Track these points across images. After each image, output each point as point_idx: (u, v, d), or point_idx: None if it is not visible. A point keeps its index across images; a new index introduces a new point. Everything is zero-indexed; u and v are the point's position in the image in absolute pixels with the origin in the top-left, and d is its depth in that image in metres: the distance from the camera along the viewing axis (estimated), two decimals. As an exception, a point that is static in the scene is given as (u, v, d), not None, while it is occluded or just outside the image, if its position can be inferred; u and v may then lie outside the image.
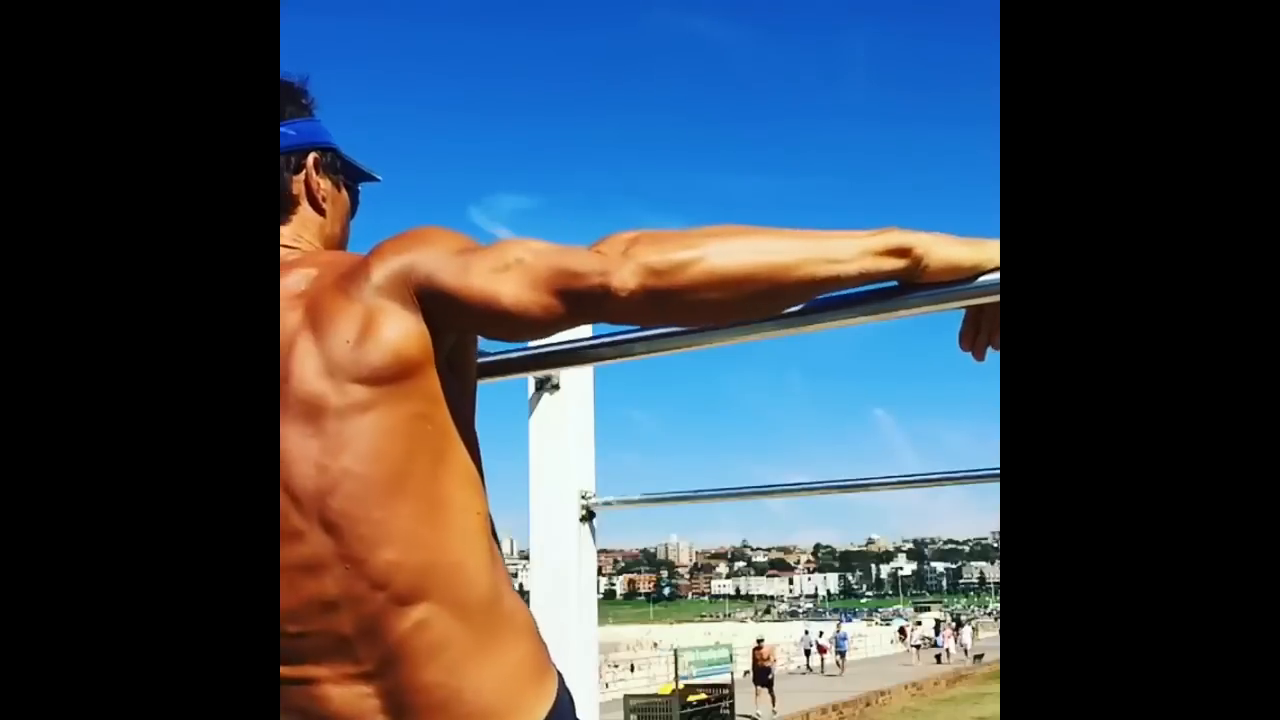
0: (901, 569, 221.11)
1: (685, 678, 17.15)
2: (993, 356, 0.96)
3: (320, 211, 1.15)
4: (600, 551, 1.74)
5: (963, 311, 0.99)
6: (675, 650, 18.76)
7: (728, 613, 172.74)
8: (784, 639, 39.64)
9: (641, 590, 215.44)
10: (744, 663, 21.35)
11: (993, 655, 28.25)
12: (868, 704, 20.44)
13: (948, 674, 27.07)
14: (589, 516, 1.68)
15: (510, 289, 0.94)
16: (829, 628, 35.20)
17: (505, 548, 1.08)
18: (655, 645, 50.15)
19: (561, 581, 1.66)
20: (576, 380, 1.70)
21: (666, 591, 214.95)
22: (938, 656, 32.38)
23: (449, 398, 0.99)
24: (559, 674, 1.05)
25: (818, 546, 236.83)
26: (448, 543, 0.98)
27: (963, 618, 53.76)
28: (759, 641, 21.02)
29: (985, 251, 0.93)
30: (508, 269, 0.94)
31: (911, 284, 0.95)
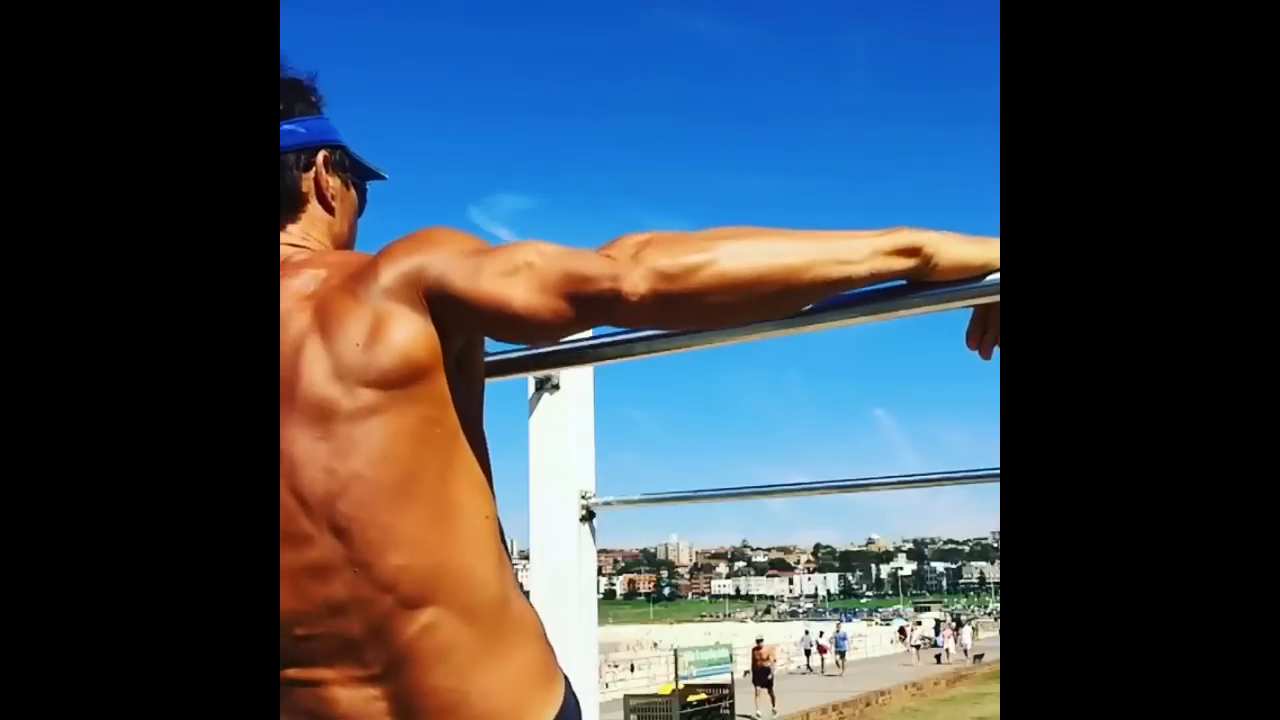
0: (901, 569, 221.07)
1: (685, 678, 17.15)
2: (995, 356, 0.96)
3: (329, 210, 1.15)
4: (600, 551, 1.74)
5: (966, 311, 0.99)
6: (675, 650, 18.76)
7: (728, 613, 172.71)
8: (784, 639, 39.66)
9: (641, 590, 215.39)
10: (744, 663, 21.34)
11: (993, 655, 28.25)
12: (868, 704, 20.43)
13: (948, 674, 27.07)
14: (589, 516, 1.68)
15: (520, 292, 0.93)
16: (829, 628, 35.20)
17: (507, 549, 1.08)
18: (655, 645, 50.15)
19: (561, 581, 1.66)
20: (576, 380, 1.70)
21: (666, 591, 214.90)
22: (938, 656, 32.37)
23: (457, 399, 0.99)
24: (566, 678, 1.05)
25: (818, 546, 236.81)
26: (456, 546, 0.97)
27: (963, 618, 53.76)
28: (758, 642, 21.01)
29: (994, 250, 0.92)
30: (517, 272, 0.94)
31: (920, 283, 0.94)
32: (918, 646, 34.00)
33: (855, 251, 0.92)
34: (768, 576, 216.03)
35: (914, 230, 0.93)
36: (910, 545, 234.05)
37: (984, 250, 0.93)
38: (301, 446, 0.95)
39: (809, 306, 0.98)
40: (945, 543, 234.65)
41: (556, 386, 1.69)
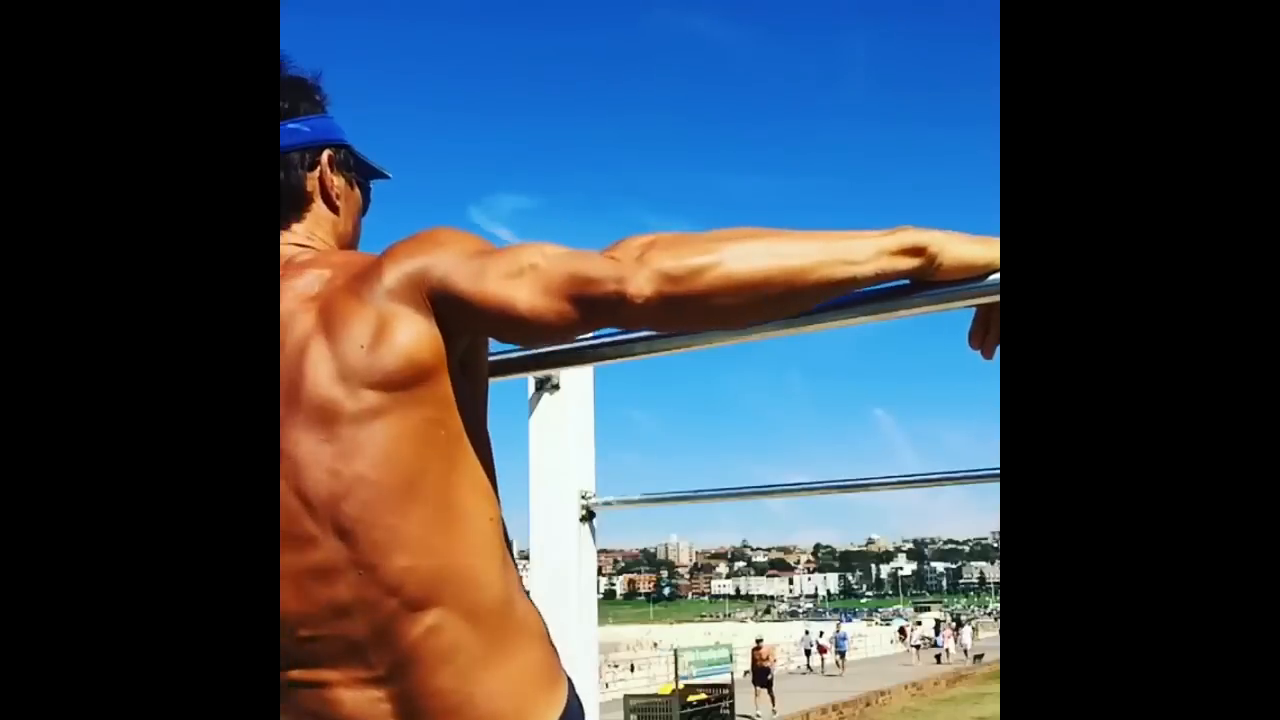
0: (901, 569, 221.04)
1: (685, 678, 17.16)
2: (996, 356, 0.96)
3: (334, 209, 1.14)
4: (600, 551, 1.74)
5: (967, 311, 0.98)
6: (675, 650, 18.76)
7: (728, 613, 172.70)
8: (784, 639, 39.67)
9: (641, 590, 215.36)
10: (744, 663, 21.34)
11: (993, 655, 28.25)
12: (868, 704, 20.43)
13: (948, 674, 27.07)
14: (589, 516, 1.68)
15: (525, 295, 0.93)
16: (829, 628, 35.20)
17: (506, 549, 1.08)
18: (655, 645, 50.15)
19: (561, 581, 1.66)
20: (576, 380, 1.70)
21: (666, 591, 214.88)
22: (938, 656, 32.38)
23: (462, 400, 0.99)
24: (569, 680, 1.05)
25: (818, 546, 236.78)
26: (460, 548, 0.97)
27: (963, 618, 53.73)
28: (758, 642, 21.01)
29: (997, 249, 0.92)
30: (522, 274, 0.93)
31: (923, 282, 0.94)
32: (918, 646, 34.00)
33: (860, 252, 0.91)
34: (768, 576, 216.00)
35: (918, 230, 0.93)
36: (910, 545, 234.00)
37: (988, 250, 0.93)
38: (306, 448, 0.95)
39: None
40: (945, 543, 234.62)
41: (556, 386, 1.69)
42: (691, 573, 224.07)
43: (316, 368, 0.96)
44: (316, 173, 1.13)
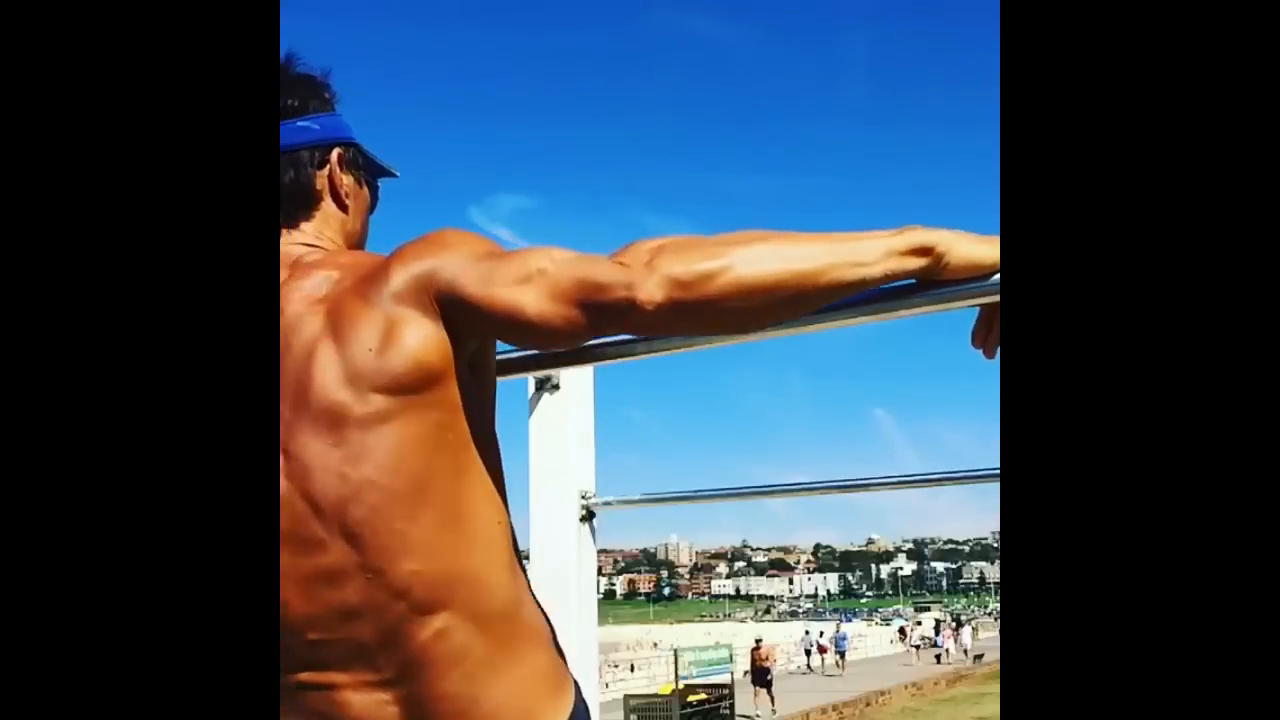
0: (901, 569, 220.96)
1: (685, 678, 17.16)
2: (997, 356, 0.96)
3: (343, 208, 1.14)
4: (600, 551, 1.74)
5: (967, 310, 0.98)
6: (675, 650, 18.76)
7: (728, 613, 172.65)
8: (784, 639, 39.66)
9: (641, 590, 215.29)
10: (744, 663, 21.34)
11: (993, 655, 28.24)
12: (868, 704, 20.43)
13: (948, 674, 27.06)
14: (589, 516, 1.68)
15: (533, 300, 0.92)
16: (829, 628, 35.20)
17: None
18: (655, 645, 50.14)
19: (561, 581, 1.65)
20: (576, 380, 1.70)
21: (666, 591, 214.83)
22: (938, 656, 32.36)
23: (469, 404, 0.99)
24: (576, 683, 1.05)
25: (818, 546, 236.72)
26: (468, 553, 0.97)
27: (963, 618, 53.72)
28: (757, 642, 21.01)
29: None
30: (530, 280, 0.93)
31: (929, 282, 0.94)
32: (918, 646, 33.99)
33: (869, 253, 0.91)
34: (768, 576, 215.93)
35: (926, 229, 0.93)
36: (910, 545, 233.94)
37: (994, 249, 0.93)
38: (314, 452, 0.95)
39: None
40: (945, 543, 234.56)
41: (556, 386, 1.69)
42: (691, 573, 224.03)
43: (325, 371, 0.95)
44: (326, 171, 1.12)
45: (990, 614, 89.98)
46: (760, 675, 19.25)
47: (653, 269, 0.90)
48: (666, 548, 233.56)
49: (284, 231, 1.10)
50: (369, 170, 1.19)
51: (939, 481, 1.52)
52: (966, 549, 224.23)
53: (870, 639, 43.21)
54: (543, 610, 1.06)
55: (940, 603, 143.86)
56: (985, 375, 0.96)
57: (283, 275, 1.03)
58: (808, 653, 31.09)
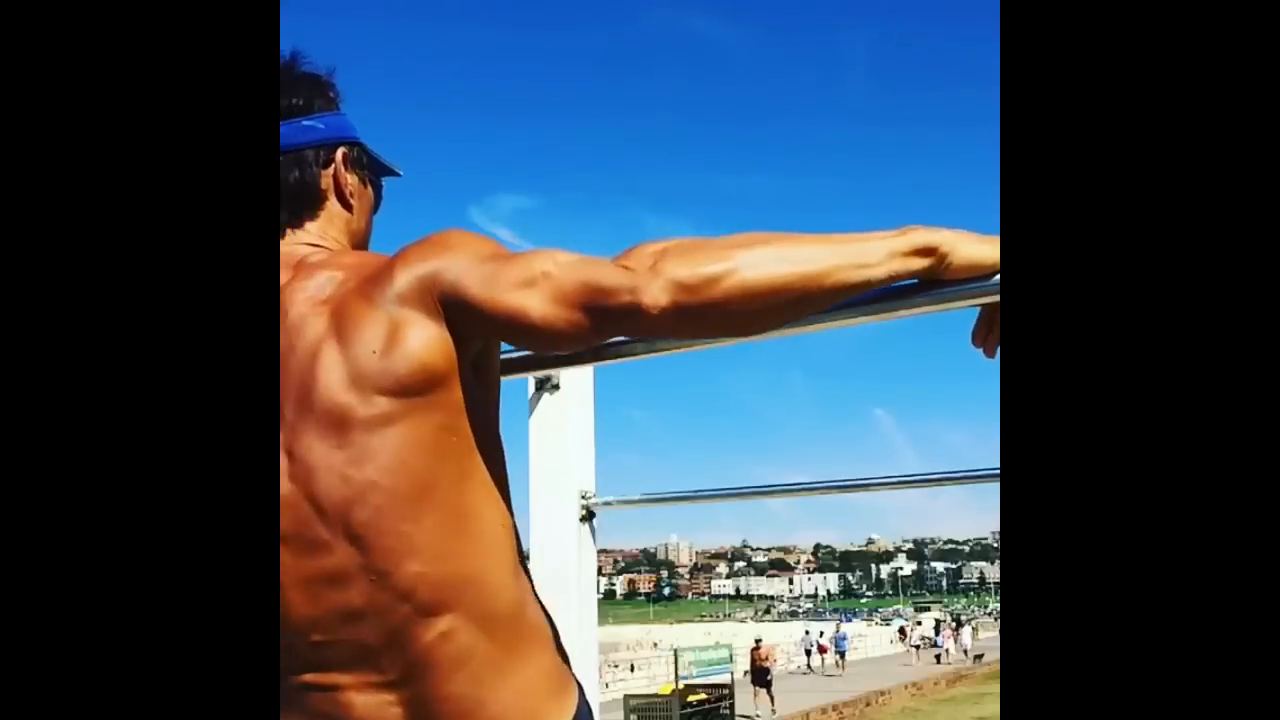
0: (901, 569, 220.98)
1: (685, 678, 17.16)
2: (997, 356, 0.96)
3: (348, 207, 1.14)
4: (600, 551, 1.74)
5: (968, 310, 0.98)
6: (675, 650, 18.76)
7: (728, 613, 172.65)
8: (784, 639, 39.65)
9: (641, 590, 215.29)
10: (744, 663, 21.34)
11: (993, 655, 28.24)
12: (868, 704, 20.43)
13: (948, 674, 27.06)
14: (589, 516, 1.68)
15: (537, 303, 0.92)
16: (829, 628, 35.20)
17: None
18: (655, 645, 50.14)
19: (561, 581, 1.65)
20: (576, 380, 1.69)
21: (666, 591, 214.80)
22: (937, 656, 32.36)
23: (473, 405, 0.98)
24: (580, 685, 1.05)
25: (818, 546, 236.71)
26: (472, 555, 0.97)
27: (963, 618, 53.72)
28: (757, 642, 21.01)
29: None
30: (534, 283, 0.93)
31: (932, 281, 0.94)
32: (918, 646, 33.98)
33: (873, 254, 0.91)
34: (768, 576, 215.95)
35: (928, 230, 0.93)
36: (910, 545, 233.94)
37: (995, 249, 0.93)
38: (318, 454, 0.95)
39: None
40: (945, 543, 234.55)
41: (556, 386, 1.69)
42: (691, 573, 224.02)
43: (329, 372, 0.95)
44: (331, 170, 1.12)
45: (990, 614, 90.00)
46: (760, 675, 19.25)
47: (657, 273, 0.90)
48: (666, 548, 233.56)
49: (289, 231, 1.10)
50: (373, 169, 1.19)
51: (939, 481, 1.52)
52: (966, 549, 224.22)
53: (870, 639, 43.21)
54: (546, 611, 1.05)
55: (940, 603, 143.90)
56: (985, 375, 0.96)
57: (287, 276, 1.02)
58: (808, 653, 31.09)
